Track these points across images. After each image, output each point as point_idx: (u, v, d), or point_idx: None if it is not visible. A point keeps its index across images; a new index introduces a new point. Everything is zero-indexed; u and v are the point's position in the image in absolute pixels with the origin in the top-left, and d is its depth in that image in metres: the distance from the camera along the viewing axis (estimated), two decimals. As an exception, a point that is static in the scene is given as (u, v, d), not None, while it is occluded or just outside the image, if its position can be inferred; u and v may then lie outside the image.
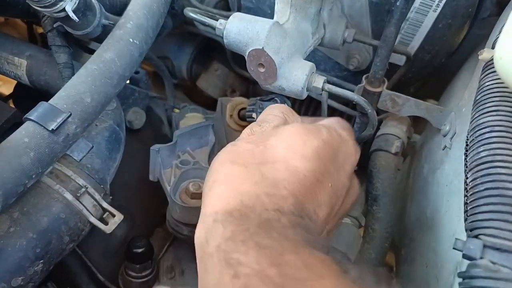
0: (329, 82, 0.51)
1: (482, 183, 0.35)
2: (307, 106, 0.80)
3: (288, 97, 0.60)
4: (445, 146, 0.52)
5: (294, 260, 0.27)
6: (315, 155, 0.39)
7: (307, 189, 0.37)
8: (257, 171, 0.37)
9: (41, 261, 0.48)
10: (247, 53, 0.48)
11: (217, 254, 0.30)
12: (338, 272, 0.27)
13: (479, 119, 0.40)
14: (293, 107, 0.60)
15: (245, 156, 0.39)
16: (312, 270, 0.27)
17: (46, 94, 0.63)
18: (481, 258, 0.32)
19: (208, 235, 0.33)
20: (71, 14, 0.48)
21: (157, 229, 0.74)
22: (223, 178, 0.37)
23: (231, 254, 0.29)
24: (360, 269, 0.29)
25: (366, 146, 0.60)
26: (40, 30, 0.96)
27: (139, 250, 0.60)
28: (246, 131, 0.44)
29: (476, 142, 0.38)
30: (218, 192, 0.36)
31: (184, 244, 0.70)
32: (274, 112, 0.46)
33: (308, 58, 0.52)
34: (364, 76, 0.57)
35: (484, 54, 0.44)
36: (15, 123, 0.55)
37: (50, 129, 0.42)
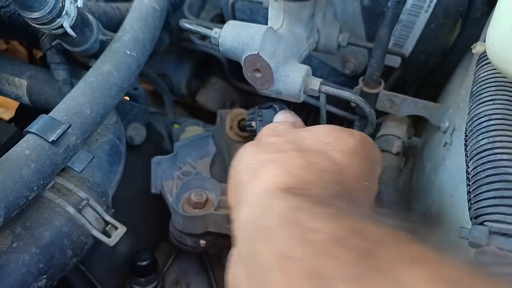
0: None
1: (483, 170, 0.35)
2: (306, 114, 0.81)
3: (287, 104, 0.60)
4: (446, 143, 0.52)
5: (373, 228, 0.25)
6: (352, 152, 0.36)
7: (348, 184, 0.34)
8: (299, 156, 0.34)
9: (45, 276, 0.47)
10: (243, 59, 0.48)
11: (285, 224, 0.27)
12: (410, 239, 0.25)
13: (477, 109, 0.40)
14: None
15: (276, 145, 0.37)
16: (394, 236, 0.25)
17: (47, 113, 0.64)
18: (488, 244, 0.32)
19: (264, 211, 0.30)
20: (69, 30, 0.49)
21: (161, 243, 0.73)
22: (262, 162, 0.35)
23: (302, 223, 0.27)
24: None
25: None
26: (39, 54, 0.98)
27: (144, 263, 0.59)
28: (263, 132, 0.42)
29: (475, 132, 0.38)
30: (268, 172, 0.33)
31: (189, 257, 0.70)
32: (283, 117, 0.47)
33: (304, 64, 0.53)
34: (361, 78, 0.58)
35: (477, 48, 0.45)
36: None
37: (50, 140, 0.42)
